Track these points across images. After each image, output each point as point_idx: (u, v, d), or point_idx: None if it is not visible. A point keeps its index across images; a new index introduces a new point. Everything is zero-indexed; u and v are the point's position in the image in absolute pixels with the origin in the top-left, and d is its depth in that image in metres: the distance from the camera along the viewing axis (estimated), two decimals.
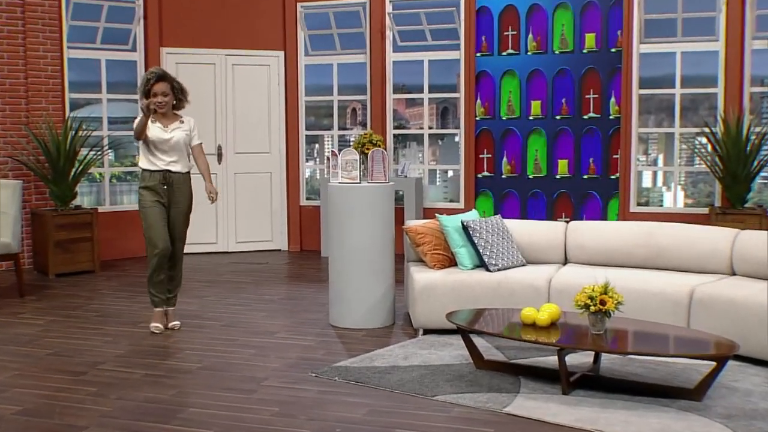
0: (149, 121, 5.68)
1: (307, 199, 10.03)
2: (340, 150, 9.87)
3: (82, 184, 9.16)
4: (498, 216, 6.12)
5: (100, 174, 9.40)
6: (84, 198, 9.40)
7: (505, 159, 9.10)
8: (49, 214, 8.17)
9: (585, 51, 8.76)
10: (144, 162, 5.79)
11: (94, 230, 8.42)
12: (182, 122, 5.82)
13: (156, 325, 5.90)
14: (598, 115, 8.74)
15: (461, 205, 9.24)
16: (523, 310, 4.67)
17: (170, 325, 5.99)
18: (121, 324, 6.19)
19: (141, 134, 5.70)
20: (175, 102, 5.78)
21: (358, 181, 6.03)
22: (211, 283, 7.83)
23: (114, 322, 6.24)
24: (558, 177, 8.90)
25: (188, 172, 5.87)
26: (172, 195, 5.78)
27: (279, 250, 9.95)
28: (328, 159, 6.36)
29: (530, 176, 9.01)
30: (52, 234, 8.12)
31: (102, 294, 7.37)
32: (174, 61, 9.39)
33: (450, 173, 9.85)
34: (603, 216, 8.73)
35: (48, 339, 5.74)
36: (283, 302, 7.00)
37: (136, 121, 5.69)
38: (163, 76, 5.70)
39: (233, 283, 7.88)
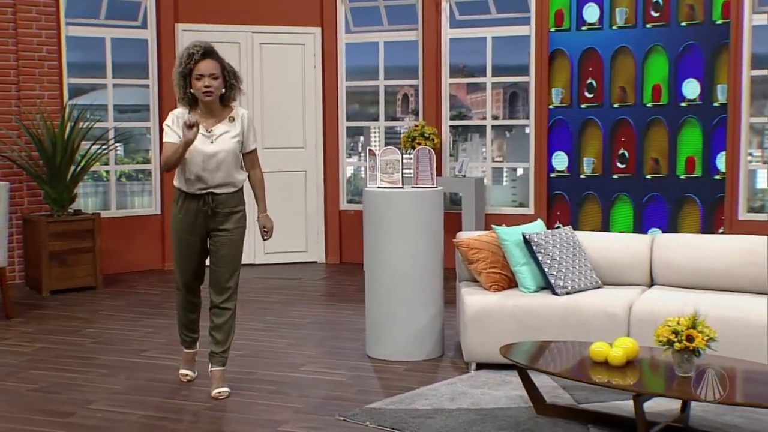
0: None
1: (349, 202, 10.05)
2: (387, 145, 9.84)
3: (85, 183, 9.30)
4: (568, 228, 6.02)
5: (107, 172, 9.51)
6: (88, 200, 9.55)
7: (584, 156, 8.98)
8: (44, 220, 8.29)
9: (684, 24, 8.57)
10: (178, 179, 5.10)
11: (96, 239, 8.53)
12: (232, 120, 5.06)
13: (184, 372, 5.51)
14: (700, 102, 8.54)
15: (530, 210, 9.17)
16: (593, 345, 4.55)
17: (214, 392, 5.19)
18: (122, 353, 6.23)
19: (176, 165, 4.98)
20: (224, 90, 5.02)
21: (400, 185, 5.98)
22: None
23: (113, 351, 6.29)
24: (649, 177, 8.73)
25: (239, 190, 5.16)
26: (216, 219, 5.10)
27: (315, 262, 9.99)
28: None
29: (615, 176, 8.86)
30: (46, 244, 8.24)
31: (103, 316, 7.45)
32: (191, 39, 9.39)
33: (519, 171, 9.75)
34: (705, 226, 8.53)
35: (34, 371, 5.79)
36: (315, 327, 7.01)
37: (169, 146, 4.91)
38: (212, 52, 4.96)
39: (258, 302, 7.90)
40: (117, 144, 9.40)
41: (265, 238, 5.33)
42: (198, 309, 5.44)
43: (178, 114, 5.04)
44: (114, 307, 7.76)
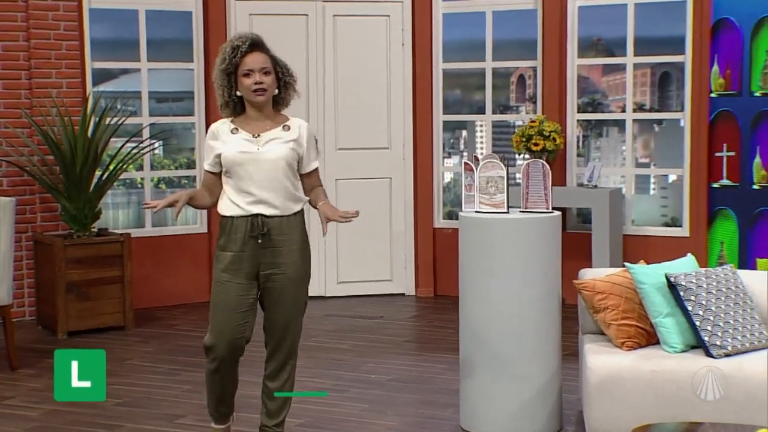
0: (229, 130, 5.11)
1: (446, 217, 10.03)
2: (496, 144, 9.69)
3: (114, 191, 9.40)
4: (728, 266, 5.83)
5: (141, 179, 9.61)
6: (117, 214, 9.66)
7: (758, 159, 8.78)
8: (60, 242, 8.41)
9: None
10: (223, 203, 5.16)
11: (125, 266, 8.63)
12: (287, 129, 5.15)
13: None
14: None
15: (685, 231, 9.05)
16: (758, 431, 4.39)
17: None
18: (152, 419, 6.26)
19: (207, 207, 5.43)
20: (277, 90, 5.15)
21: (504, 209, 5.89)
22: None
23: (141, 416, 6.32)
24: None
25: (298, 213, 5.18)
26: (269, 251, 5.09)
27: (401, 294, 10.00)
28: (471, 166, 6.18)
29: None
30: (63, 272, 8.35)
31: (131, 367, 7.53)
32: (247, 11, 9.53)
33: (670, 179, 9.59)
34: None
35: None
36: (397, 386, 6.98)
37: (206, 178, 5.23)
38: (261, 43, 5.10)
39: (325, 350, 7.91)
40: (154, 143, 9.47)
41: (341, 220, 5.04)
42: (236, 383, 5.38)
43: (217, 129, 5.13)
44: (146, 355, 7.83)
